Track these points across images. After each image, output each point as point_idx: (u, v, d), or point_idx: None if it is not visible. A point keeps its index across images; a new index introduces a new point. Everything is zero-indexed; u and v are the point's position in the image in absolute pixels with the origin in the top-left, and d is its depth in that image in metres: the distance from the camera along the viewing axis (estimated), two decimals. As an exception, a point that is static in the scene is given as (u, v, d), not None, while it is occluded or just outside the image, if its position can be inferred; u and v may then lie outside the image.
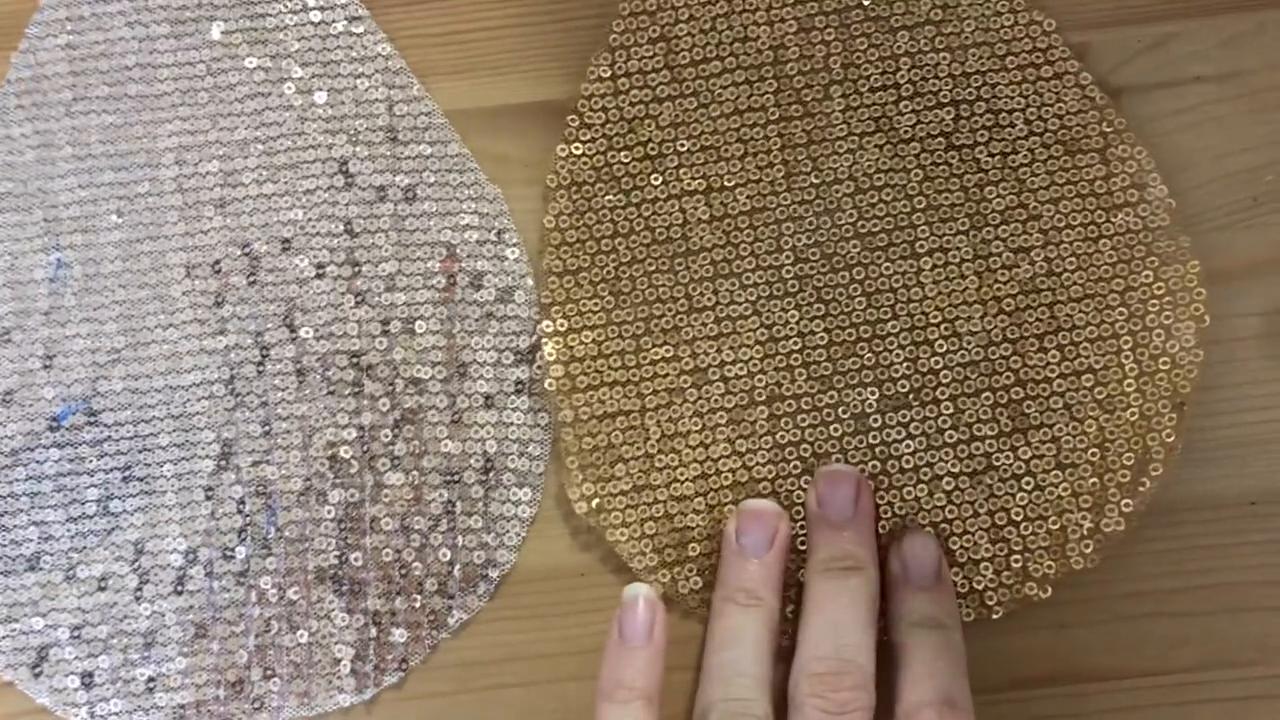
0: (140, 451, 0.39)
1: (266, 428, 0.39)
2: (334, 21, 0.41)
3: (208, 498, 0.39)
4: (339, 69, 0.41)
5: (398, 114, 0.40)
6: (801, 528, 0.38)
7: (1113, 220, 0.39)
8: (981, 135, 0.40)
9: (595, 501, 0.38)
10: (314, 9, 0.41)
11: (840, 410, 0.39)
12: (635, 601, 0.37)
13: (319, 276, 0.40)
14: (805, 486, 0.38)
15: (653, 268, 0.39)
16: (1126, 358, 0.39)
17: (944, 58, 0.40)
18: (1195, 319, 0.39)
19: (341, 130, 0.40)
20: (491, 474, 0.39)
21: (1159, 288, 0.39)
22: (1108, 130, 0.39)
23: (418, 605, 0.39)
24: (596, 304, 0.39)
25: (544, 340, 0.39)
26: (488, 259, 0.40)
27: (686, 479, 0.39)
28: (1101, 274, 0.39)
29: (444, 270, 0.40)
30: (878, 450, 0.39)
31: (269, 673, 0.38)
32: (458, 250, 0.40)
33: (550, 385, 0.39)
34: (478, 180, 0.40)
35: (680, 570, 0.38)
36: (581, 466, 0.39)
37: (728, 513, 0.38)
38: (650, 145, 0.40)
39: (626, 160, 0.40)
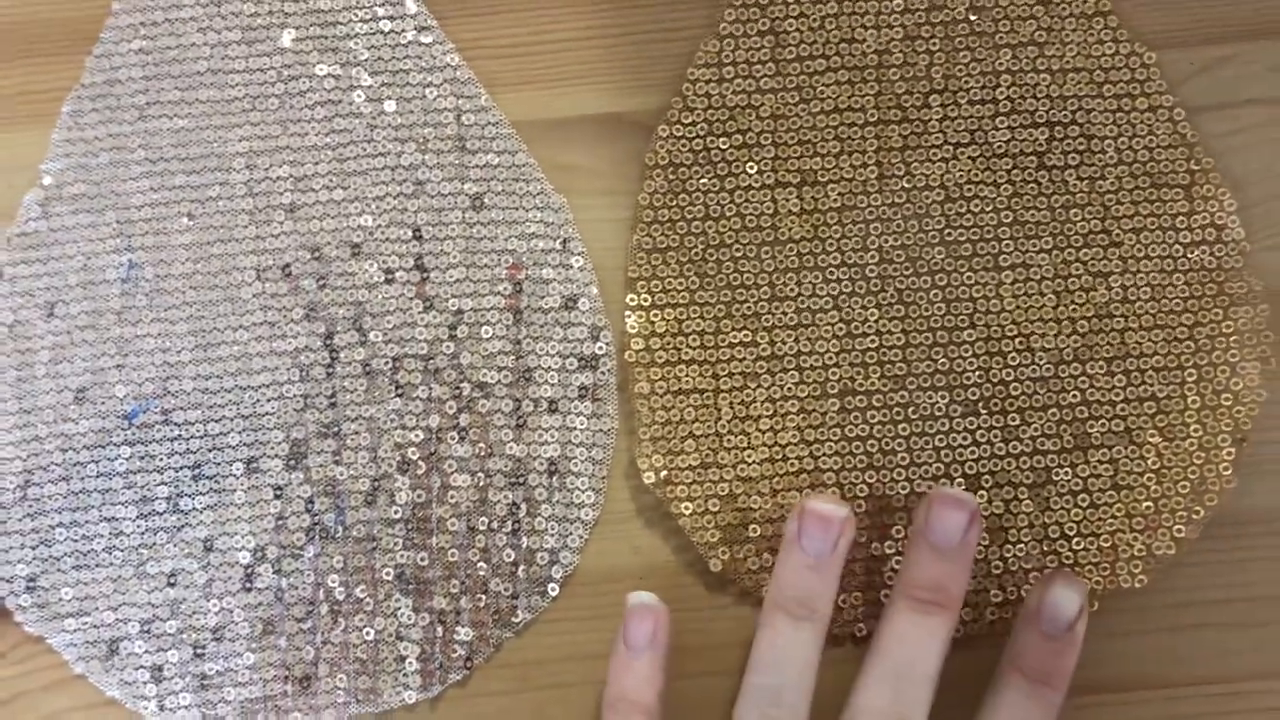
0: (210, 450, 0.40)
1: (336, 429, 0.40)
2: (403, 31, 0.41)
3: (276, 497, 0.40)
4: (408, 78, 0.41)
5: (465, 123, 0.41)
6: (863, 517, 0.39)
7: (1189, 256, 0.40)
8: (1073, 158, 0.41)
9: (663, 474, 0.39)
10: (384, 19, 0.41)
11: (910, 410, 0.40)
12: (637, 609, 0.37)
13: (388, 281, 0.41)
14: (868, 481, 0.39)
15: (739, 253, 0.40)
16: (1190, 390, 0.40)
17: (1043, 79, 0.41)
18: (1261, 360, 0.40)
19: (410, 138, 0.41)
20: (555, 477, 0.40)
21: (1227, 326, 0.40)
22: (1195, 168, 0.40)
23: (483, 605, 0.39)
24: (681, 283, 0.40)
25: (626, 313, 0.40)
26: (553, 267, 0.41)
27: (754, 461, 0.40)
28: (1173, 307, 0.40)
29: (510, 277, 0.41)
30: (942, 453, 0.40)
31: (335, 669, 0.39)
32: (524, 258, 0.41)
33: (629, 357, 0.40)
34: (544, 190, 0.41)
35: (740, 549, 0.39)
36: (652, 439, 0.40)
37: (792, 498, 0.39)
38: (749, 134, 0.41)
39: (724, 147, 0.41)
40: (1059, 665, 0.35)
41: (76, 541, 0.39)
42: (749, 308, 0.40)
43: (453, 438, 0.40)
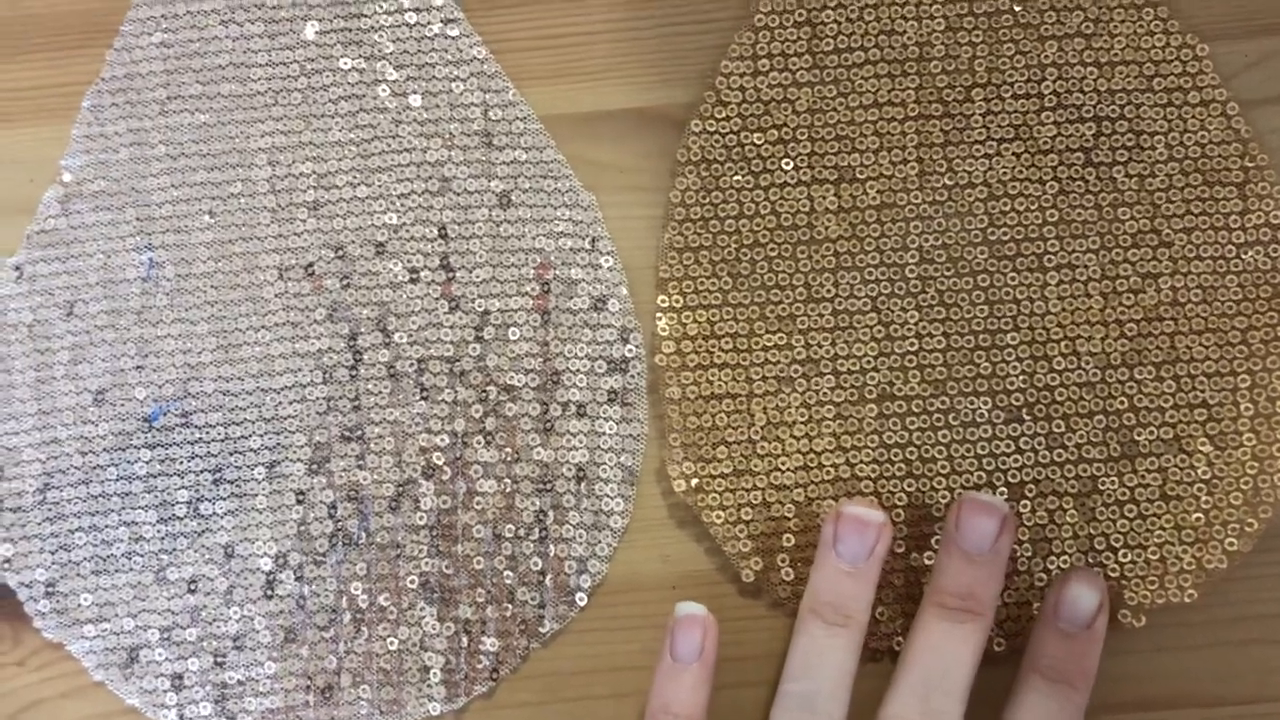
0: (231, 454, 0.39)
1: (359, 433, 0.39)
2: (429, 24, 0.40)
3: (299, 502, 0.39)
4: (434, 72, 0.40)
5: (493, 119, 0.40)
6: (901, 527, 0.38)
7: (1243, 257, 0.39)
8: (1121, 155, 0.39)
9: (694, 481, 0.38)
10: (409, 10, 0.40)
11: (951, 416, 0.38)
12: (685, 619, 0.36)
13: (413, 281, 0.40)
14: (907, 489, 0.38)
15: (774, 253, 0.39)
16: (1243, 396, 0.38)
17: (1090, 72, 0.39)
18: None
19: (436, 134, 0.40)
20: (584, 483, 0.39)
21: None
22: (1249, 165, 0.39)
23: (509, 614, 0.38)
24: (714, 284, 0.39)
25: (657, 315, 0.39)
26: (581, 267, 0.40)
27: (788, 469, 0.38)
28: (1225, 309, 0.38)
29: (538, 277, 0.40)
30: (984, 461, 0.38)
31: (358, 679, 0.38)
32: (551, 257, 0.40)
33: (660, 361, 0.39)
34: (572, 187, 0.40)
35: (772, 560, 0.38)
36: (684, 445, 0.38)
37: (827, 508, 0.38)
38: (784, 129, 0.39)
39: (759, 142, 0.39)
40: (1080, 664, 0.34)
41: (96, 546, 0.39)
42: (784, 309, 0.39)
43: (479, 442, 0.39)
